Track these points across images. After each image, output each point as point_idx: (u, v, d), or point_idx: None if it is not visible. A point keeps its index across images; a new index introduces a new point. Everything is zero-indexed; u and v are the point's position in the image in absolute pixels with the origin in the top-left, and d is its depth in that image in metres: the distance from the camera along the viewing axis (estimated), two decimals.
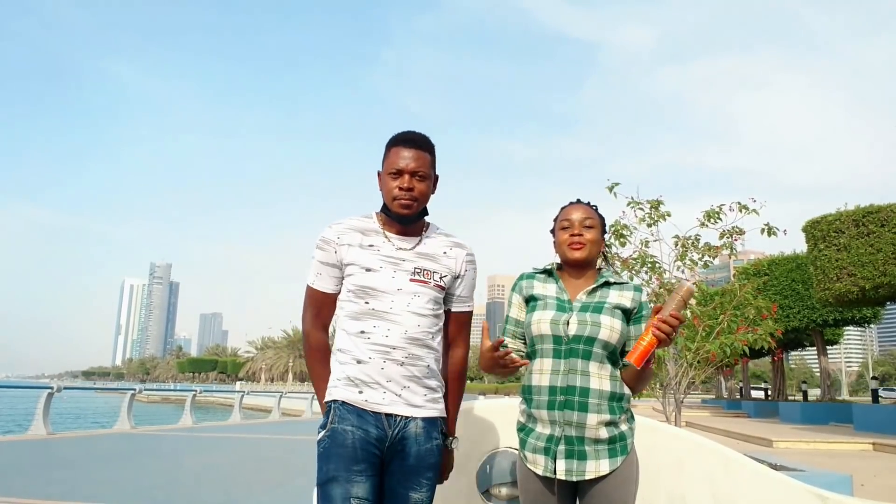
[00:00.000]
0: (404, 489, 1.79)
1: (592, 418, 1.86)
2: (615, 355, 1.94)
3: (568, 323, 1.91)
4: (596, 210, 2.06)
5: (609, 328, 1.90)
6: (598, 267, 2.08)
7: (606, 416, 1.87)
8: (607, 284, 2.00)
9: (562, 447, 1.88)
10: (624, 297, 1.97)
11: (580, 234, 1.98)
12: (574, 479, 1.87)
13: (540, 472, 1.91)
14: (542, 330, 1.93)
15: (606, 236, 5.94)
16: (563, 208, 2.08)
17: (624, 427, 1.91)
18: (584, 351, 1.89)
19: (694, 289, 1.83)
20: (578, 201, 2.07)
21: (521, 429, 1.99)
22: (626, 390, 1.95)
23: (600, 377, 1.89)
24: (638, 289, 2.01)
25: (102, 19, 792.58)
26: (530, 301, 2.03)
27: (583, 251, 1.98)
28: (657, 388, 6.28)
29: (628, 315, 1.97)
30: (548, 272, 2.06)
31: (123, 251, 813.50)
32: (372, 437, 1.76)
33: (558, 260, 2.08)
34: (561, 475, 1.87)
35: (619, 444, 1.89)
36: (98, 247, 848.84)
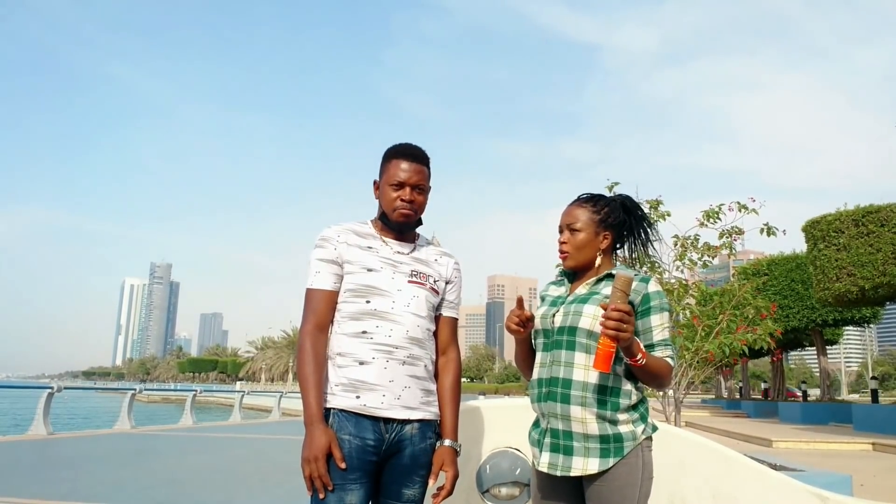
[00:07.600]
0: (398, 485, 1.85)
1: (576, 410, 1.79)
2: None
3: (554, 316, 1.90)
4: (592, 202, 1.96)
5: (592, 317, 1.81)
6: (613, 261, 2.00)
7: (594, 410, 1.78)
8: (610, 277, 1.88)
9: (548, 440, 1.85)
10: None
11: (564, 243, 1.94)
12: (558, 473, 1.81)
13: (535, 464, 1.92)
14: (536, 325, 1.94)
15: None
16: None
17: (624, 428, 1.79)
18: (568, 342, 1.84)
19: (630, 274, 1.74)
20: (577, 199, 1.99)
21: (533, 423, 1.98)
22: (627, 386, 1.82)
23: (587, 368, 1.80)
24: (644, 279, 1.86)
25: (104, 20, 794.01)
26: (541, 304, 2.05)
27: (568, 260, 1.94)
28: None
29: (634, 307, 1.82)
30: (566, 274, 2.04)
31: (123, 251, 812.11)
32: (369, 444, 1.79)
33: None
34: (543, 468, 1.85)
35: (613, 445, 1.78)
36: (98, 247, 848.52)
